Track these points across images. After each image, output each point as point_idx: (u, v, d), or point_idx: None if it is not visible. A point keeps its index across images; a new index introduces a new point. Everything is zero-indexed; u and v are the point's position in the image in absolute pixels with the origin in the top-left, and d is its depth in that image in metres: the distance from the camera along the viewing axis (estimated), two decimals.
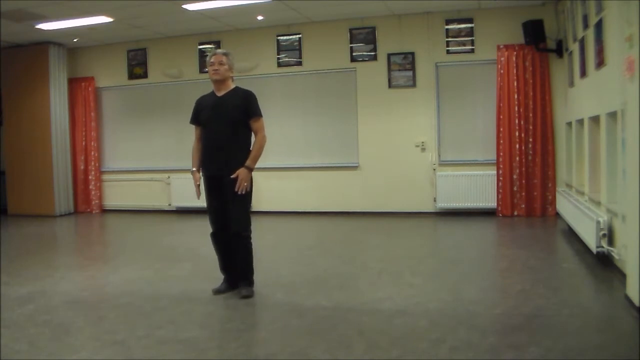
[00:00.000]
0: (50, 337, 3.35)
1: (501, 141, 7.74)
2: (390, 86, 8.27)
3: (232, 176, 3.95)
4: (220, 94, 4.17)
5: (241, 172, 3.96)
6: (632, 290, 3.58)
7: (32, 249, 6.53)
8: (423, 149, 8.15)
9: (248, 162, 4.00)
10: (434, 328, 3.34)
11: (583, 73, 5.84)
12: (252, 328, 3.48)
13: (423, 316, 3.56)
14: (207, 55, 9.09)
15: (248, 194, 4.06)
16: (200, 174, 4.19)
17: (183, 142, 9.24)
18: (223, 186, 4.04)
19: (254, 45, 8.78)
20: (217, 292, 4.20)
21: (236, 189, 3.95)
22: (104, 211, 9.66)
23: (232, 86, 4.23)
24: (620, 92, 4.03)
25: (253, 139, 4.15)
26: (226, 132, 4.02)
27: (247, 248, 4.14)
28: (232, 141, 4.03)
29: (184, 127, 9.09)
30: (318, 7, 7.68)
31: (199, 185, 4.15)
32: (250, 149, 4.12)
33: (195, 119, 4.22)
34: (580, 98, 6.21)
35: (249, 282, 4.18)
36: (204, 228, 7.88)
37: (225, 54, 4.16)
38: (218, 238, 4.25)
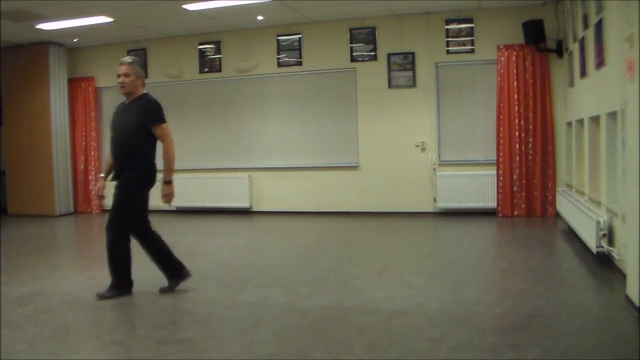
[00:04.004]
0: (50, 337, 3.35)
1: (501, 141, 7.74)
2: (390, 86, 8.27)
3: (163, 200, 4.13)
4: (127, 101, 4.25)
5: (164, 189, 4.13)
6: (632, 290, 3.58)
7: (32, 249, 6.53)
8: (423, 149, 8.15)
9: (166, 176, 4.14)
10: (434, 328, 3.34)
11: (583, 73, 5.83)
12: (252, 328, 3.48)
13: (423, 316, 3.56)
14: (207, 55, 9.21)
15: (130, 197, 4.13)
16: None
17: (182, 142, 9.23)
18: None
19: (254, 45, 8.79)
20: (100, 296, 4.15)
21: (165, 203, 4.16)
22: (104, 211, 9.64)
23: (141, 92, 4.25)
24: (620, 92, 4.02)
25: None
26: (123, 139, 4.12)
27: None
28: (126, 149, 4.11)
29: (183, 127, 9.21)
30: (318, 7, 7.68)
31: (100, 189, 4.28)
32: (151, 157, 4.21)
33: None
34: (580, 98, 6.21)
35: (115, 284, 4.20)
36: (203, 228, 7.94)
37: (130, 64, 4.15)
38: (108, 238, 4.20)
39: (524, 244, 5.89)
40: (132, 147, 4.10)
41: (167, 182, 4.14)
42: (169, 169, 4.15)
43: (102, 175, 4.35)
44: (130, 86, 4.15)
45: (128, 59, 4.21)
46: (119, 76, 4.15)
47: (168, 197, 4.13)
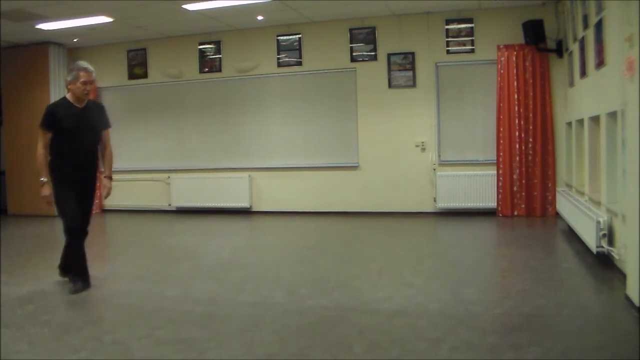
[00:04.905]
0: (50, 337, 3.35)
1: (501, 141, 7.74)
2: (390, 86, 8.27)
3: (104, 193, 4.54)
4: (81, 105, 4.41)
5: (108, 183, 4.53)
6: (632, 290, 3.58)
7: (32, 249, 6.54)
8: (423, 149, 8.15)
9: (109, 172, 4.56)
10: (434, 328, 3.34)
11: (583, 73, 5.84)
12: (252, 328, 3.48)
13: (423, 316, 3.56)
14: (207, 55, 9.21)
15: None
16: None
17: (183, 142, 9.27)
18: (83, 189, 4.41)
19: (254, 45, 8.79)
20: (76, 291, 4.32)
21: (104, 197, 4.65)
22: (104, 211, 9.66)
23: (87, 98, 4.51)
24: (620, 92, 4.03)
25: None
26: (94, 141, 4.48)
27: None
28: (96, 149, 4.52)
29: (183, 127, 9.21)
30: (318, 7, 7.68)
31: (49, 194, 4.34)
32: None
33: (50, 126, 4.29)
34: (580, 98, 6.21)
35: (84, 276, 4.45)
36: (203, 228, 7.94)
37: (93, 71, 4.40)
38: (81, 237, 4.42)
39: (524, 244, 5.89)
40: (97, 148, 4.53)
41: (110, 177, 4.56)
42: (111, 167, 4.60)
43: (45, 179, 4.32)
44: (91, 92, 4.44)
45: (90, 66, 4.37)
46: (85, 83, 4.30)
47: (110, 189, 4.53)
